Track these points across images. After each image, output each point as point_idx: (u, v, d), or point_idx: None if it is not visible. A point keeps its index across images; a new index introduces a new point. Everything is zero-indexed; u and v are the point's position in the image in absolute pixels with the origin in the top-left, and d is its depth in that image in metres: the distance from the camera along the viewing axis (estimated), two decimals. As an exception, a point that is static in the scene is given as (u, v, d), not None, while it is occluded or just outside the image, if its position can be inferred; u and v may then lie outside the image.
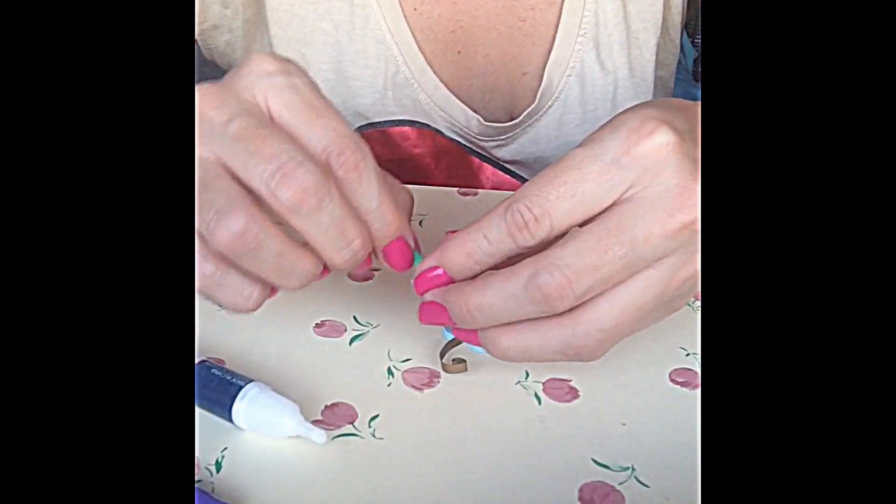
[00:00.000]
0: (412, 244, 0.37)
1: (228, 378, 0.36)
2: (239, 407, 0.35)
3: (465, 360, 0.40)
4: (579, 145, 0.34)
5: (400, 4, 0.63)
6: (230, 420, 0.36)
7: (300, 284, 0.34)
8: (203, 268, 0.33)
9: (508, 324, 0.34)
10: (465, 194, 0.58)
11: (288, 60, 0.36)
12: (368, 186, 0.34)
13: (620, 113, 0.35)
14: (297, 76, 0.35)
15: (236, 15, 0.64)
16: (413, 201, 0.38)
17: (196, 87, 0.33)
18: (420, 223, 0.54)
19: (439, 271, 0.35)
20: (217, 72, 0.69)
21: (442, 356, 0.41)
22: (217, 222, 0.31)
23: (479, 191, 0.58)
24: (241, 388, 0.36)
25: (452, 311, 0.34)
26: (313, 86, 0.35)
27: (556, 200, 0.32)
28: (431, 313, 0.35)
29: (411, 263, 0.36)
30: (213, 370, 0.36)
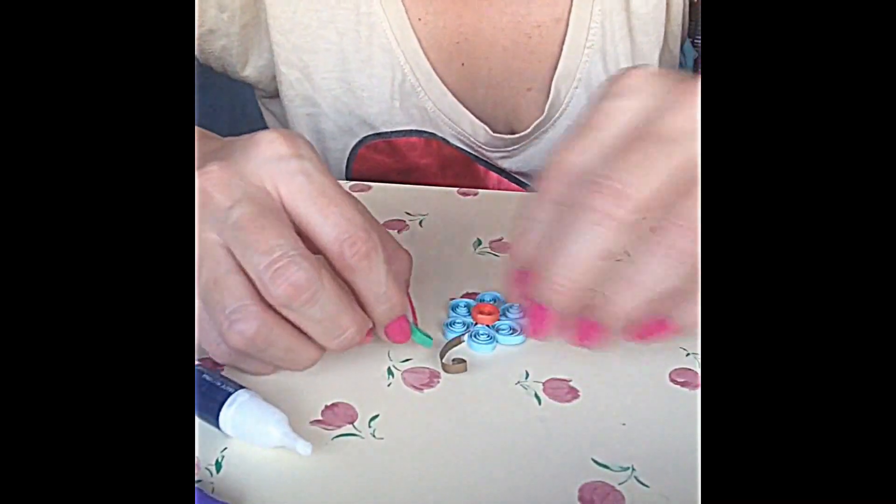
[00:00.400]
0: (411, 319, 0.40)
1: (218, 384, 0.35)
2: (226, 414, 0.35)
3: (464, 361, 0.40)
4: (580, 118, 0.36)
5: (406, 13, 0.62)
6: (217, 427, 0.35)
7: (304, 368, 0.37)
8: (219, 349, 0.36)
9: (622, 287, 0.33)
10: (465, 194, 0.58)
11: (296, 139, 0.36)
12: (377, 273, 0.36)
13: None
14: (307, 159, 0.36)
15: (233, 20, 0.63)
16: (412, 263, 0.41)
17: (206, 167, 0.35)
18: (420, 223, 0.54)
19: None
20: (215, 77, 0.69)
21: (442, 356, 0.41)
22: (229, 326, 0.34)
23: (480, 191, 0.58)
24: (229, 394, 0.35)
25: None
26: (323, 167, 0.36)
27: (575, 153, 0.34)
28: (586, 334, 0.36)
29: (409, 338, 0.40)
30: (203, 375, 0.36)
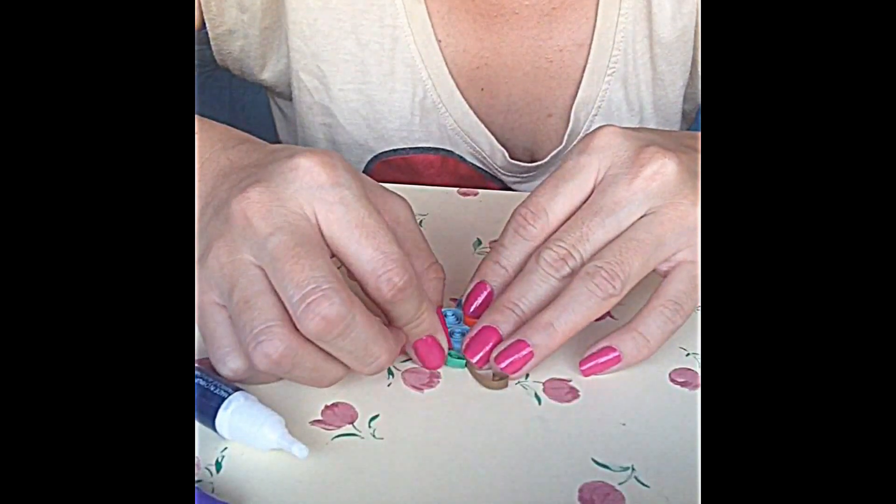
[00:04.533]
0: (444, 345, 0.40)
1: (213, 388, 0.35)
2: (223, 417, 0.35)
3: (507, 376, 0.40)
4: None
5: (433, 29, 0.61)
6: (214, 429, 0.35)
7: (328, 385, 0.37)
8: (226, 367, 0.36)
9: (550, 309, 0.39)
10: (465, 194, 0.58)
11: (335, 163, 0.37)
12: (411, 303, 0.37)
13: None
14: (345, 187, 0.36)
15: (253, 21, 0.62)
16: (444, 282, 0.41)
17: (246, 191, 0.36)
18: (420, 223, 0.54)
19: (486, 289, 0.42)
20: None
21: (472, 372, 0.40)
22: (255, 347, 0.34)
23: (480, 191, 0.58)
24: (224, 398, 0.35)
25: (531, 333, 0.39)
26: (362, 197, 0.36)
27: (547, 199, 0.41)
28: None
29: (442, 362, 0.40)
30: (198, 379, 0.36)
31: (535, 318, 0.39)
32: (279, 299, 0.34)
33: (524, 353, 0.39)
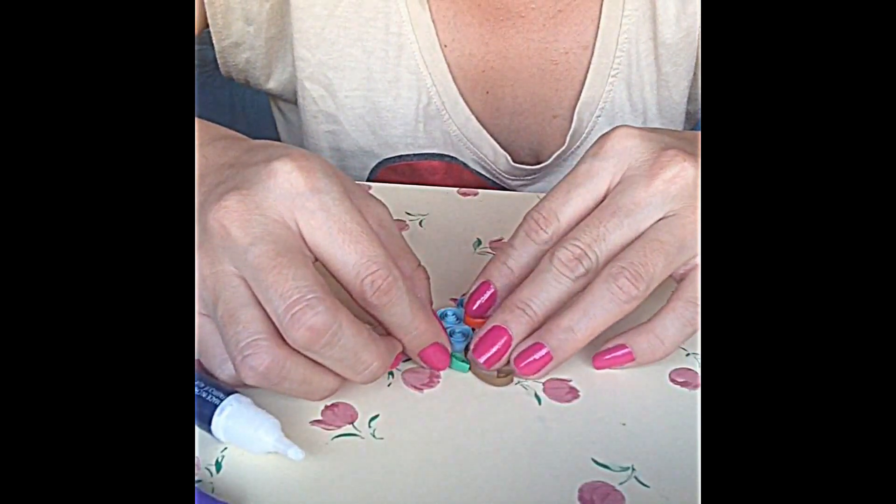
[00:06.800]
0: (448, 347, 0.40)
1: (205, 395, 0.35)
2: (218, 422, 0.34)
3: (511, 372, 0.40)
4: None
5: (437, 36, 0.61)
6: (210, 433, 0.35)
7: (321, 398, 0.37)
8: (223, 374, 0.36)
9: (570, 312, 0.38)
10: (465, 194, 0.58)
11: (313, 168, 0.36)
12: (400, 306, 0.36)
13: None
14: (325, 192, 0.35)
15: (259, 32, 0.62)
16: (429, 281, 0.41)
17: (223, 200, 0.35)
18: (420, 223, 0.54)
19: (490, 289, 0.41)
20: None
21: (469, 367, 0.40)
22: (242, 360, 0.33)
23: (480, 191, 0.58)
24: (217, 404, 0.35)
25: (546, 341, 0.39)
26: (344, 200, 0.36)
27: (559, 203, 0.40)
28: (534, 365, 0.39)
29: (448, 364, 0.40)
30: (195, 382, 0.36)
31: (554, 320, 0.39)
32: (264, 311, 0.34)
33: (542, 355, 0.38)
